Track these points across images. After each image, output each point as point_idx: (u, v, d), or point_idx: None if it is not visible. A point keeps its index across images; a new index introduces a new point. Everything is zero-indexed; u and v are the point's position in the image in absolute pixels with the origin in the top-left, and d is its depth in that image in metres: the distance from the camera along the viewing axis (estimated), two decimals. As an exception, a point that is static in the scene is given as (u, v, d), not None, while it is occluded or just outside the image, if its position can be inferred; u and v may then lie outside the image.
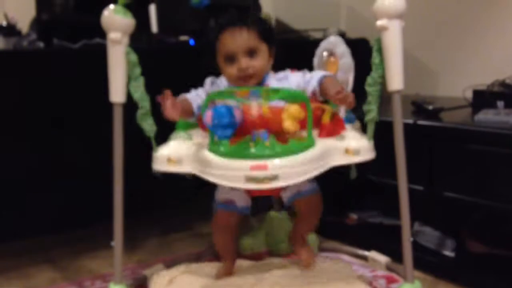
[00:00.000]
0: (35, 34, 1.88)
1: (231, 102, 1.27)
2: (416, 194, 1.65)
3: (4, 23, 1.97)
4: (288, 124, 1.23)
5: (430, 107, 1.75)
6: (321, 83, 1.32)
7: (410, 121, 1.66)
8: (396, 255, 1.44)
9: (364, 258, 1.74)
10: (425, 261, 1.68)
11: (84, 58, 1.81)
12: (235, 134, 1.24)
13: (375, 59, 1.28)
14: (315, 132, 1.29)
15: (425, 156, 1.65)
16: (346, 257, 1.79)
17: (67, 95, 1.77)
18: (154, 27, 2.25)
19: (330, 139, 1.29)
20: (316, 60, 1.60)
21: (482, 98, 1.75)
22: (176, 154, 1.30)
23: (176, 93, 1.86)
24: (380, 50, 1.26)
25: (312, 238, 1.82)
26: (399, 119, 1.30)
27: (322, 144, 1.26)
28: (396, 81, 1.26)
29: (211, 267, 1.60)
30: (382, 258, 1.65)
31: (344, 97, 1.23)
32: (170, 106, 1.26)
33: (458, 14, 2.13)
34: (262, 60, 1.36)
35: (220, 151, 1.23)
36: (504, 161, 1.46)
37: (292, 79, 1.38)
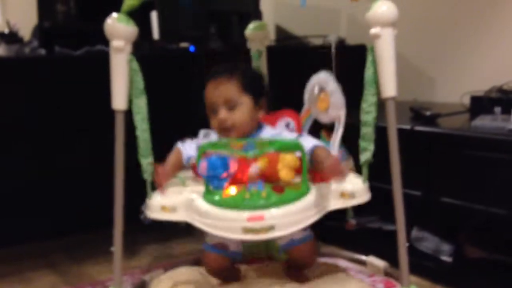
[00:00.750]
0: (37, 42, 1.91)
1: (225, 152, 1.27)
2: (414, 199, 1.67)
3: (7, 31, 2.00)
4: (285, 174, 1.25)
5: (428, 113, 1.76)
6: (311, 153, 1.32)
7: (408, 127, 1.67)
8: (394, 260, 1.44)
9: (363, 263, 1.75)
10: (423, 266, 1.69)
11: (86, 65, 1.83)
12: (230, 183, 1.26)
13: (369, 69, 1.29)
14: (308, 177, 1.29)
15: (423, 161, 1.66)
16: (344, 262, 1.80)
17: (68, 102, 1.80)
18: (156, 34, 2.28)
19: (325, 184, 1.30)
20: (306, 95, 1.61)
21: (480, 104, 1.75)
22: (170, 203, 1.31)
23: (176, 100, 1.89)
24: (373, 61, 1.28)
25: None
26: (393, 125, 1.31)
27: (317, 190, 1.27)
28: (390, 88, 1.27)
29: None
30: (380, 263, 1.67)
31: (337, 171, 1.24)
32: (162, 179, 1.32)
33: (455, 21, 2.15)
34: (243, 112, 1.37)
35: (216, 201, 1.24)
36: (501, 167, 1.47)
37: (286, 137, 1.39)
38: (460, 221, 1.80)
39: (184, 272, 1.60)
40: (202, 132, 1.45)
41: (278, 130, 1.43)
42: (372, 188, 1.76)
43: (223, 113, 1.36)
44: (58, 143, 1.80)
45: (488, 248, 1.68)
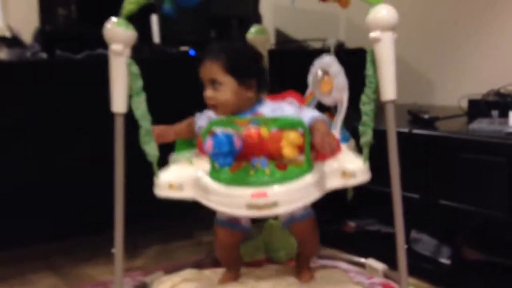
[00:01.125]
0: (38, 45, 1.92)
1: (230, 129, 1.29)
2: (412, 202, 1.68)
3: (8, 35, 2.02)
4: (288, 151, 1.26)
5: (426, 116, 1.77)
6: (310, 124, 1.33)
7: (406, 130, 1.69)
8: (393, 263, 1.45)
9: (362, 265, 1.76)
10: (422, 268, 1.70)
11: (87, 69, 1.85)
12: (235, 160, 1.27)
13: (368, 70, 1.31)
14: (311, 155, 1.30)
15: (421, 164, 1.67)
16: (343, 265, 1.81)
17: (69, 105, 1.81)
18: (156, 38, 2.29)
19: (327, 162, 1.32)
20: (310, 78, 1.64)
21: (477, 108, 1.77)
22: (177, 180, 1.33)
23: (174, 101, 1.90)
24: (373, 62, 1.29)
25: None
26: (392, 128, 1.32)
27: (319, 168, 1.29)
28: (389, 91, 1.28)
29: (212, 273, 1.61)
30: (379, 266, 1.67)
31: (326, 146, 1.25)
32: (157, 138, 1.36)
33: (454, 25, 2.17)
34: (226, 92, 1.39)
35: (221, 178, 1.26)
36: (498, 169, 1.48)
37: (287, 111, 1.41)
38: (458, 224, 1.81)
39: (184, 274, 1.61)
40: (197, 115, 1.49)
41: (278, 104, 1.44)
42: (371, 191, 1.78)
43: (208, 92, 1.41)
44: (58, 145, 1.81)
45: (486, 251, 1.70)
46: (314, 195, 1.28)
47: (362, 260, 1.76)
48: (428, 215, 1.92)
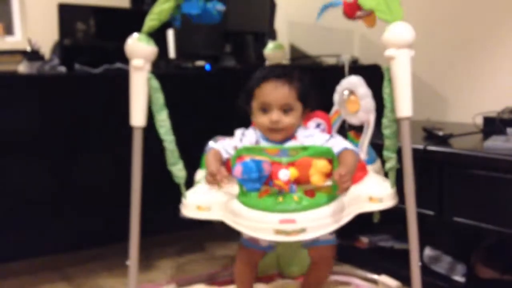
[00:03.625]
0: (57, 59, 1.95)
1: (260, 157, 1.30)
2: (427, 219, 1.68)
3: (28, 48, 2.05)
4: (316, 179, 1.27)
5: (441, 133, 1.77)
6: (339, 153, 1.34)
7: (421, 146, 1.69)
8: (406, 280, 1.45)
9: (375, 282, 1.76)
10: (436, 286, 1.69)
11: (105, 83, 1.87)
12: (263, 185, 1.29)
13: (386, 88, 1.32)
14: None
15: (436, 181, 1.67)
16: (356, 281, 1.80)
17: (87, 119, 1.83)
18: (172, 53, 2.32)
19: (354, 187, 1.33)
20: (336, 97, 1.66)
21: (492, 125, 1.77)
22: (205, 202, 1.35)
23: (191, 115, 1.92)
24: (390, 80, 1.30)
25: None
26: (408, 145, 1.33)
27: (347, 193, 1.30)
28: (405, 108, 1.29)
29: (224, 288, 1.62)
30: (393, 283, 1.67)
31: (342, 183, 1.23)
32: (221, 179, 1.29)
33: (469, 42, 2.17)
34: (294, 118, 1.40)
35: (249, 203, 1.28)
36: (512, 187, 1.48)
37: (317, 139, 1.41)
38: (473, 241, 1.80)
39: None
40: (239, 132, 1.47)
41: (311, 131, 1.46)
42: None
43: (277, 115, 1.38)
44: (75, 158, 1.83)
45: (501, 269, 1.68)
46: (342, 220, 1.30)
47: (376, 276, 1.76)
48: (442, 232, 1.91)
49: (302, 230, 1.24)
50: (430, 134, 1.80)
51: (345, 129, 1.66)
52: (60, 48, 1.97)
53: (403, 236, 1.43)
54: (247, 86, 1.43)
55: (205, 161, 1.43)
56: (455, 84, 2.23)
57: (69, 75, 1.89)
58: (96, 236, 1.89)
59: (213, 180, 1.29)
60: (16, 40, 3.14)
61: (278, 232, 1.23)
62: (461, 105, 2.20)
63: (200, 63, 2.21)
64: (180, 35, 2.30)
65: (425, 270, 1.71)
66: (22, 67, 1.90)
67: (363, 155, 1.55)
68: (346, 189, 1.25)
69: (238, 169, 1.27)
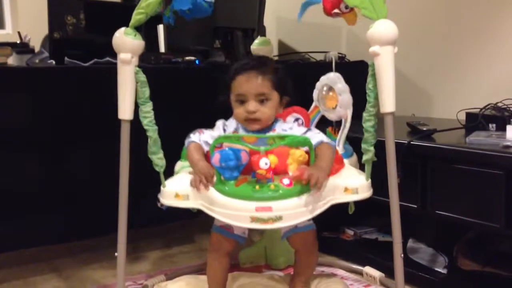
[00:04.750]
0: (47, 53, 1.96)
1: (238, 146, 1.32)
2: (410, 212, 1.72)
3: (18, 41, 2.06)
4: (293, 168, 1.31)
5: (424, 128, 1.81)
6: (316, 146, 1.36)
7: (405, 141, 1.72)
8: (390, 271, 1.49)
9: (359, 273, 1.80)
10: (418, 277, 1.72)
11: (94, 76, 1.88)
12: (241, 173, 1.32)
13: (369, 83, 1.35)
14: None
15: (419, 175, 1.70)
16: (341, 272, 1.84)
17: (77, 112, 1.84)
18: (162, 47, 2.33)
19: (331, 178, 1.36)
20: (316, 93, 1.69)
21: (475, 121, 1.80)
22: (183, 190, 1.37)
23: (180, 110, 1.94)
24: (374, 75, 1.33)
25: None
26: (391, 139, 1.36)
27: (323, 183, 1.32)
28: (388, 104, 1.32)
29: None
30: (376, 273, 1.71)
31: (313, 180, 1.26)
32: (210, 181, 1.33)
33: (453, 40, 2.21)
34: (270, 107, 1.43)
35: (226, 191, 1.30)
36: (495, 181, 1.50)
37: (295, 131, 1.44)
38: (455, 234, 1.84)
39: (185, 279, 1.64)
40: (220, 122, 1.49)
41: (290, 125, 1.48)
42: (370, 200, 1.82)
43: (253, 105, 1.40)
44: (64, 151, 1.84)
45: (482, 261, 1.72)
46: (318, 210, 1.33)
47: (360, 268, 1.80)
48: (425, 225, 1.95)
49: (278, 218, 1.27)
50: (414, 129, 1.84)
51: (323, 126, 1.68)
52: (50, 42, 1.97)
53: (388, 229, 1.46)
54: (226, 79, 1.46)
55: (186, 155, 1.44)
56: (439, 82, 2.27)
57: (59, 68, 1.89)
58: (86, 228, 1.90)
59: (200, 181, 1.31)
60: (7, 33, 3.13)
61: (255, 219, 1.26)
62: (445, 102, 2.24)
63: (190, 58, 2.22)
64: (171, 30, 2.31)
65: (408, 261, 1.75)
66: (11, 60, 1.91)
67: (340, 150, 1.58)
68: (318, 188, 1.28)
69: (216, 157, 1.29)
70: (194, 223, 2.16)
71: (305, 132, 1.43)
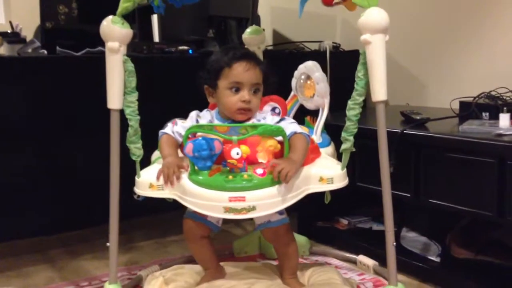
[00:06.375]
0: (38, 42, 1.95)
1: (211, 135, 1.32)
2: (404, 201, 1.72)
3: (9, 31, 2.05)
4: (262, 156, 1.31)
5: (418, 117, 1.80)
6: (289, 137, 1.36)
7: (399, 130, 1.72)
8: (384, 259, 1.49)
9: (353, 261, 1.80)
10: (411, 265, 1.73)
11: (87, 66, 1.87)
12: (214, 163, 1.31)
13: (359, 72, 1.34)
14: None
15: (412, 164, 1.70)
16: (335, 261, 1.85)
17: (69, 102, 1.84)
18: (156, 37, 2.32)
19: (306, 167, 1.36)
20: (294, 82, 1.68)
21: (468, 110, 1.80)
22: (157, 181, 1.36)
23: (173, 99, 1.93)
24: (364, 64, 1.32)
25: (303, 241, 1.88)
26: (383, 128, 1.35)
27: (298, 173, 1.32)
28: (380, 92, 1.32)
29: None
30: (370, 262, 1.71)
31: (281, 173, 1.26)
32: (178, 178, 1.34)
33: (447, 29, 2.20)
34: (259, 99, 1.45)
35: (200, 181, 1.30)
36: (488, 170, 1.51)
37: (268, 120, 1.44)
38: (448, 222, 1.84)
39: (178, 268, 1.63)
40: (194, 113, 1.48)
41: (264, 114, 1.48)
42: (364, 189, 1.82)
43: (248, 95, 1.41)
44: (57, 141, 1.84)
45: (475, 249, 1.73)
46: (292, 199, 1.32)
47: (354, 256, 1.80)
48: (418, 214, 1.95)
49: (252, 208, 1.27)
50: (408, 118, 1.83)
51: (301, 115, 1.67)
52: (42, 31, 1.96)
53: (381, 217, 1.46)
54: (213, 65, 1.44)
55: (159, 148, 1.44)
56: (433, 71, 2.26)
57: (51, 58, 1.88)
58: (79, 219, 1.90)
59: (167, 174, 1.32)
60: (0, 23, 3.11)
61: (228, 210, 1.26)
62: (438, 91, 2.24)
63: (183, 47, 2.21)
64: (164, 20, 2.30)
65: (401, 250, 1.76)
66: (3, 50, 1.90)
67: (316, 139, 1.57)
68: (287, 182, 1.27)
69: (189, 147, 1.28)
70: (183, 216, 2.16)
71: (279, 122, 1.42)
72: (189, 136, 1.34)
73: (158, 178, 1.36)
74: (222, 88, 1.43)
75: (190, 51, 2.19)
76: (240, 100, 1.41)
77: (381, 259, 1.63)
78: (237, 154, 1.27)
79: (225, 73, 1.42)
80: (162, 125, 1.48)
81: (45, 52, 1.90)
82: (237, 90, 1.41)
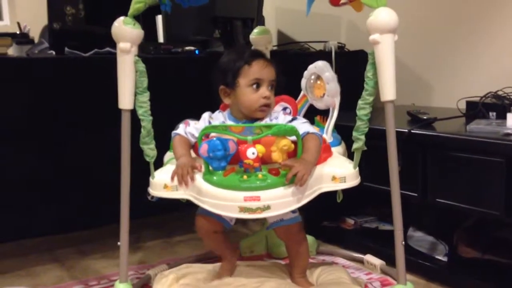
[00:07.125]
0: (46, 43, 1.96)
1: (225, 135, 1.33)
2: (411, 200, 1.72)
3: (17, 32, 2.06)
4: (276, 156, 1.31)
5: (425, 117, 1.81)
6: (302, 137, 1.36)
7: (406, 130, 1.72)
8: (391, 259, 1.50)
9: (360, 261, 1.81)
10: (418, 264, 1.74)
11: (95, 66, 1.88)
12: (229, 163, 1.32)
13: (368, 72, 1.35)
14: None
15: (420, 163, 1.71)
16: (342, 260, 1.85)
17: (77, 102, 1.85)
18: (161, 37, 2.33)
19: (318, 167, 1.37)
20: (304, 82, 1.69)
21: (475, 109, 1.80)
22: (172, 181, 1.37)
23: (178, 100, 1.94)
24: (373, 64, 1.33)
25: (311, 241, 1.88)
26: (392, 128, 1.36)
27: (311, 172, 1.33)
28: (389, 92, 1.32)
29: (214, 267, 1.64)
30: (377, 261, 1.72)
31: (297, 176, 1.27)
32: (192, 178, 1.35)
33: (453, 29, 2.20)
34: (273, 95, 1.48)
35: (215, 181, 1.31)
36: (495, 169, 1.51)
37: (281, 120, 1.46)
38: (455, 222, 1.85)
39: (187, 268, 1.64)
40: (206, 114, 1.50)
41: (276, 114, 1.49)
42: (370, 189, 1.83)
43: (268, 92, 1.45)
44: (65, 141, 1.85)
45: (482, 249, 1.73)
46: (305, 198, 1.33)
47: (361, 256, 1.81)
48: (426, 213, 1.95)
49: (267, 208, 1.28)
50: (415, 118, 1.84)
51: (311, 115, 1.68)
52: (49, 32, 1.97)
53: (388, 217, 1.46)
54: (230, 65, 1.46)
55: (172, 149, 1.45)
56: (439, 71, 2.26)
57: (59, 58, 1.89)
58: (88, 218, 1.91)
59: (182, 175, 1.34)
60: (5, 25, 3.12)
61: (243, 209, 1.27)
62: (445, 90, 2.24)
63: (189, 48, 2.22)
64: (169, 21, 2.30)
65: (409, 249, 1.76)
66: (12, 51, 1.91)
67: (328, 138, 1.58)
68: (301, 185, 1.28)
69: (204, 148, 1.29)
70: (195, 212, 2.16)
71: (291, 121, 1.43)
72: (203, 137, 1.35)
73: (172, 178, 1.37)
74: (243, 85, 1.45)
75: (197, 52, 2.20)
76: (261, 97, 1.44)
77: (388, 259, 1.64)
78: (253, 154, 1.28)
79: (245, 71, 1.44)
80: (171, 126, 1.49)
81: (54, 53, 1.91)
82: (258, 86, 1.44)
